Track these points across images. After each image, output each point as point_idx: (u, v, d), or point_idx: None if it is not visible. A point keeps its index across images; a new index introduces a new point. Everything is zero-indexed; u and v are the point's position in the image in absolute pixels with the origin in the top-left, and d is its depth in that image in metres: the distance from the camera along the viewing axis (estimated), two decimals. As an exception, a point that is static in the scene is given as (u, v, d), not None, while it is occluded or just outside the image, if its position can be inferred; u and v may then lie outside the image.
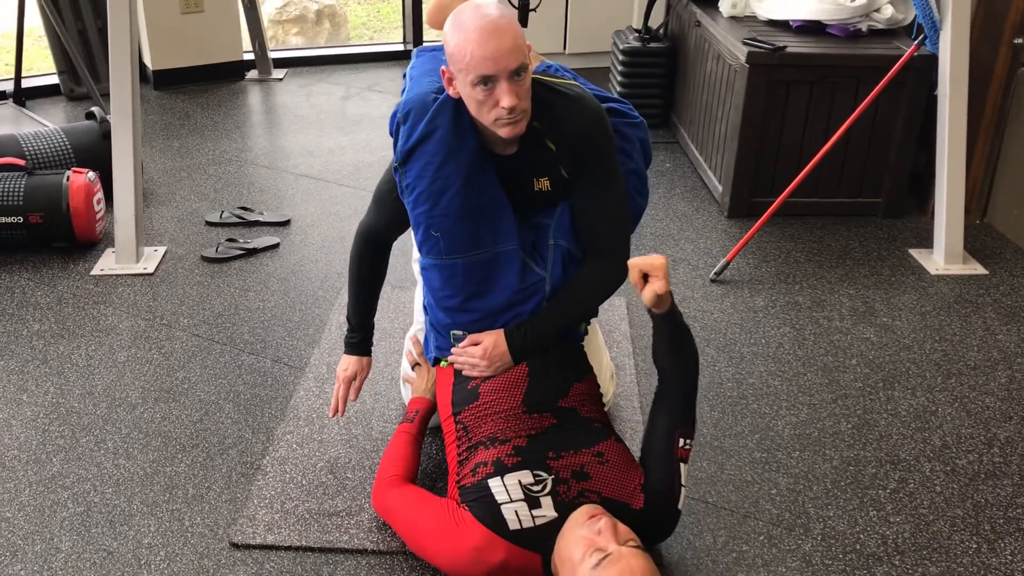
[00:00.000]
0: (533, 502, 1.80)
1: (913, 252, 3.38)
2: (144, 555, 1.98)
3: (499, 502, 1.80)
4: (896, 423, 2.45)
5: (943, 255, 3.30)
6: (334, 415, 2.20)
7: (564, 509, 1.81)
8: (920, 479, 2.25)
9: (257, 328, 2.83)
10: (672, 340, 1.91)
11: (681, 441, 1.89)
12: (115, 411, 2.44)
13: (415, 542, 1.89)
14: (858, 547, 2.04)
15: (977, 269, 3.27)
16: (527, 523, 1.79)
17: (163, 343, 2.74)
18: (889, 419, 2.47)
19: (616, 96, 2.18)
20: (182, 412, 2.44)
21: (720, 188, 3.72)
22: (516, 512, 1.79)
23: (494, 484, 1.83)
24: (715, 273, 3.18)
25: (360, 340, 2.21)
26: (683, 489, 1.89)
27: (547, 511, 1.80)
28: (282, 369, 2.63)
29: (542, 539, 1.78)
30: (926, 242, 3.42)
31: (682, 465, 1.89)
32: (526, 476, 1.83)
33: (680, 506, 1.90)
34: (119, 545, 2.01)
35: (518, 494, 1.81)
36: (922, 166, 3.65)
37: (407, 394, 2.32)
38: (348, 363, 2.22)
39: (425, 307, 2.15)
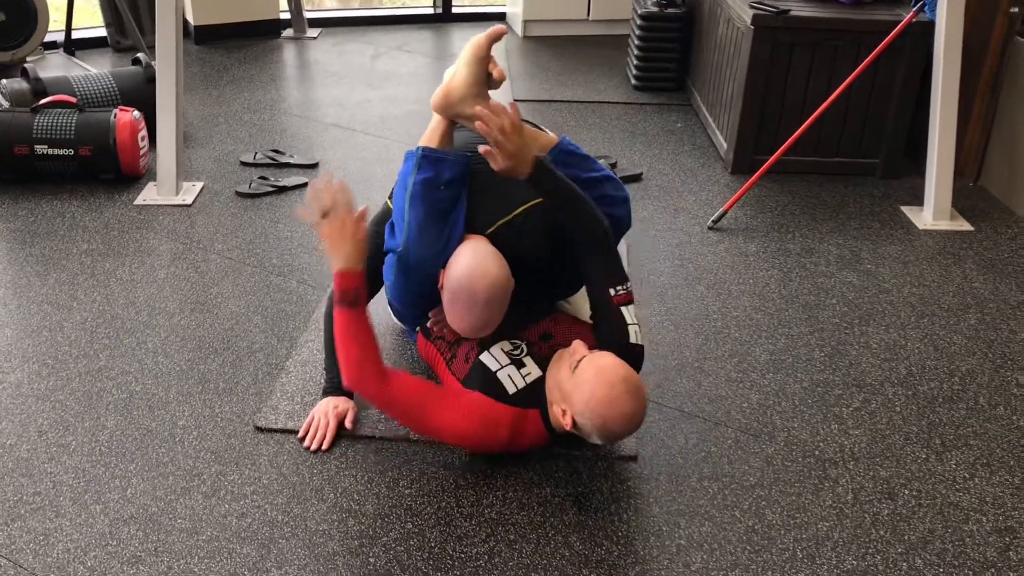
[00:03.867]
0: (518, 363, 2.10)
1: (905, 209, 3.56)
2: (179, 434, 2.25)
3: (493, 371, 2.09)
4: (867, 353, 2.66)
5: (932, 212, 3.48)
6: (317, 448, 2.19)
7: (544, 364, 2.11)
8: (882, 400, 2.46)
9: (284, 254, 3.08)
10: (557, 203, 2.10)
11: (612, 291, 2.11)
12: (155, 318, 2.71)
13: (424, 425, 2.08)
14: (817, 453, 2.26)
15: (964, 226, 3.45)
16: (520, 384, 2.07)
17: (199, 264, 3.01)
18: (860, 350, 2.68)
19: (608, 175, 2.30)
20: (215, 321, 2.70)
21: (725, 146, 3.92)
22: (509, 376, 2.08)
23: (484, 357, 2.12)
24: (712, 221, 3.39)
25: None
26: (633, 327, 2.11)
27: (531, 369, 2.10)
28: (306, 289, 2.88)
29: (535, 395, 2.07)
30: (920, 201, 3.60)
31: (624, 308, 2.12)
32: (505, 345, 2.14)
33: (636, 340, 2.11)
34: (157, 425, 2.27)
35: (504, 360, 2.11)
36: (921, 129, 3.82)
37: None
38: (338, 401, 2.28)
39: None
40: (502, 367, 2.09)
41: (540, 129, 2.36)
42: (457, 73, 2.13)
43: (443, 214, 2.11)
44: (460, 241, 2.13)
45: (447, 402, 2.08)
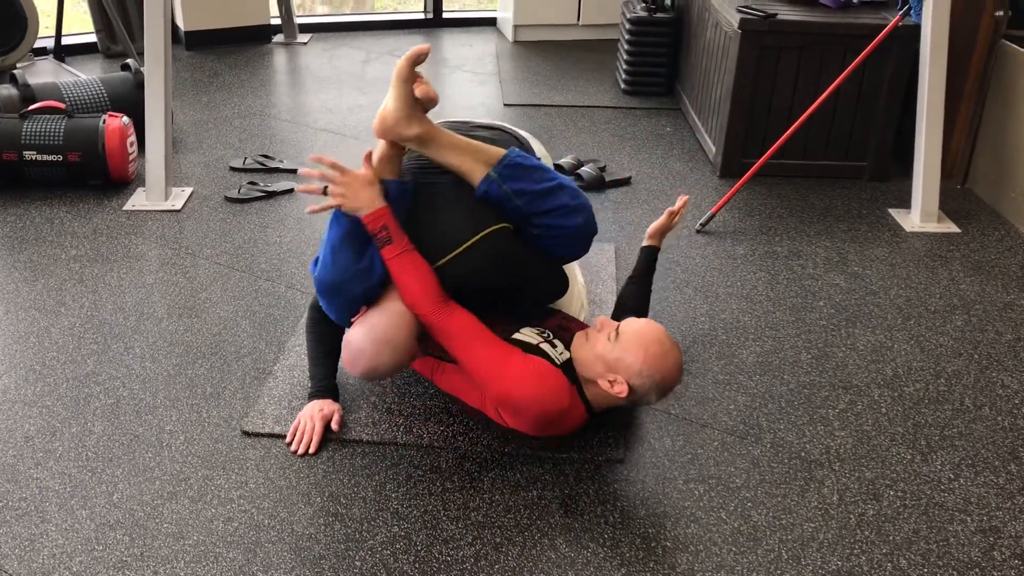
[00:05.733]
0: (551, 344, 2.14)
1: (892, 211, 3.58)
2: (166, 439, 2.25)
3: (535, 343, 2.13)
4: (853, 355, 2.67)
5: (919, 214, 3.49)
6: (304, 452, 2.20)
7: (569, 348, 2.16)
8: (868, 402, 2.47)
9: (273, 259, 3.09)
10: (650, 275, 2.56)
11: None
12: (143, 323, 2.71)
13: (475, 355, 2.07)
14: (803, 454, 2.27)
15: (951, 228, 3.47)
16: (559, 360, 2.11)
17: (188, 269, 3.01)
18: (847, 352, 2.69)
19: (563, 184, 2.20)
20: (203, 326, 2.70)
21: (714, 149, 3.93)
22: (548, 351, 2.12)
23: (519, 336, 2.16)
24: (700, 224, 3.40)
25: (330, 386, 2.33)
26: None
27: (562, 350, 2.14)
28: (295, 294, 2.89)
29: (571, 374, 2.11)
30: (907, 203, 3.62)
31: None
32: (531, 329, 2.19)
33: None
34: (144, 430, 2.27)
35: (537, 338, 2.15)
36: (909, 132, 3.84)
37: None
38: (324, 404, 2.28)
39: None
40: (543, 341, 2.14)
41: (511, 134, 2.36)
42: (388, 97, 2.13)
43: (362, 238, 2.09)
44: (383, 274, 2.10)
45: (506, 347, 2.08)
